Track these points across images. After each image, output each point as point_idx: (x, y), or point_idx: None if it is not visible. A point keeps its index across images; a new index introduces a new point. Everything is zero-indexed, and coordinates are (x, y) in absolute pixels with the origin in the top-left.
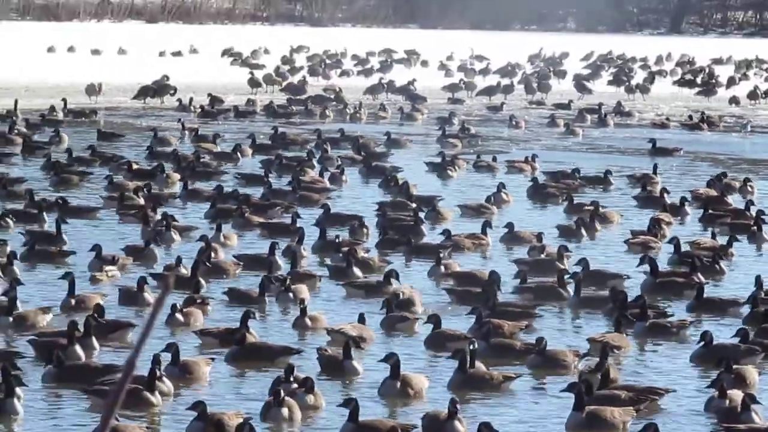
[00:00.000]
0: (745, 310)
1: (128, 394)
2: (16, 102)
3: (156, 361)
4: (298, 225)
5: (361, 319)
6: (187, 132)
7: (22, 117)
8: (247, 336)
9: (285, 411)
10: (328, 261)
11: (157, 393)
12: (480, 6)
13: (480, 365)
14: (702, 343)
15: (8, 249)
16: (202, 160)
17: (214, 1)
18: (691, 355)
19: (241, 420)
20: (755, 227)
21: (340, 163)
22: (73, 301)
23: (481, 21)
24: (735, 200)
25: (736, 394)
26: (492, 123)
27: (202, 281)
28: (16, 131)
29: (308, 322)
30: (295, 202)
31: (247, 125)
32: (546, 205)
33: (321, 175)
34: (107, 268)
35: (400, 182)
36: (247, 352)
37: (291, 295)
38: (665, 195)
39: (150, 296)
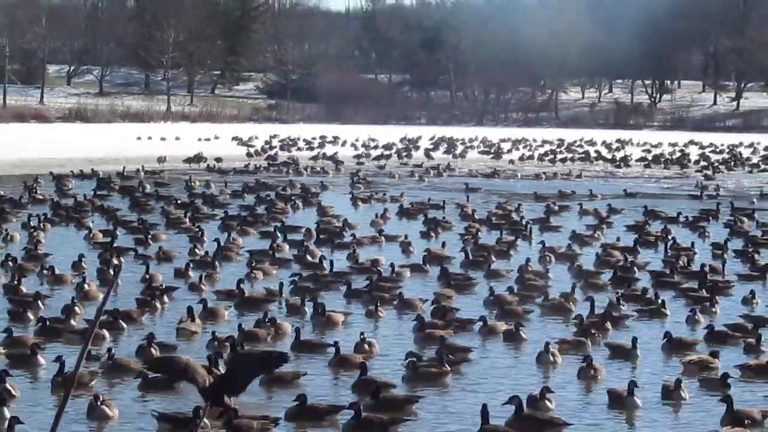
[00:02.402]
0: None
1: None
2: (124, 169)
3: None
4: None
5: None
6: (221, 184)
7: (125, 174)
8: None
9: None
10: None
11: None
12: (372, 110)
13: None
14: None
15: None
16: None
17: (228, 110)
18: None
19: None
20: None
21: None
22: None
23: (373, 119)
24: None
25: None
26: (379, 175)
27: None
28: (115, 184)
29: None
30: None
31: (245, 178)
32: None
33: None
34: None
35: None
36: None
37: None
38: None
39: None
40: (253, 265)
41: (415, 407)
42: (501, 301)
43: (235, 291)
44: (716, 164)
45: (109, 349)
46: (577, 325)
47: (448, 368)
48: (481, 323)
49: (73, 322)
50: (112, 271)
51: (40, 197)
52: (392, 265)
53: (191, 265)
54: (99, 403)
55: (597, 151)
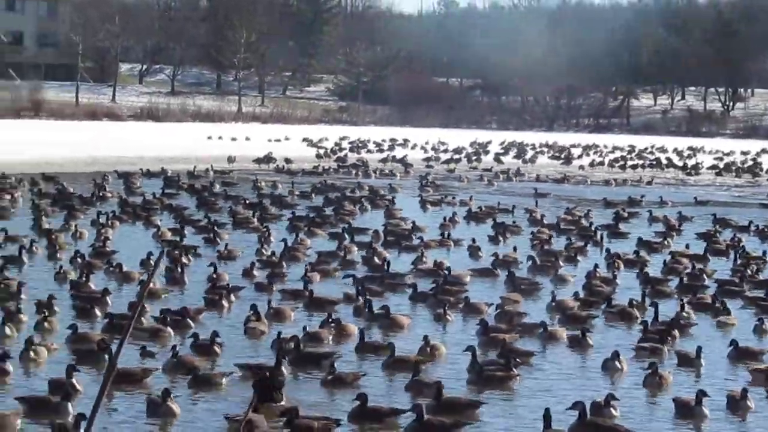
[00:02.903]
0: None
1: None
2: (194, 168)
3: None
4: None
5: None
6: (288, 184)
7: (195, 173)
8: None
9: None
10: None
11: None
12: (443, 114)
13: None
14: None
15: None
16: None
17: (299, 111)
18: None
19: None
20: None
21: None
22: None
23: (443, 122)
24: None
25: None
26: (448, 179)
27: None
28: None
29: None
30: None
31: (313, 179)
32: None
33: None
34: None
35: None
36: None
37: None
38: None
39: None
40: (308, 267)
41: (478, 411)
42: (563, 306)
43: (303, 292)
44: None
45: (174, 347)
46: (643, 332)
47: (516, 372)
48: (541, 329)
49: (143, 319)
50: (179, 269)
51: (109, 195)
52: (448, 269)
53: (257, 264)
54: (165, 401)
55: (668, 159)
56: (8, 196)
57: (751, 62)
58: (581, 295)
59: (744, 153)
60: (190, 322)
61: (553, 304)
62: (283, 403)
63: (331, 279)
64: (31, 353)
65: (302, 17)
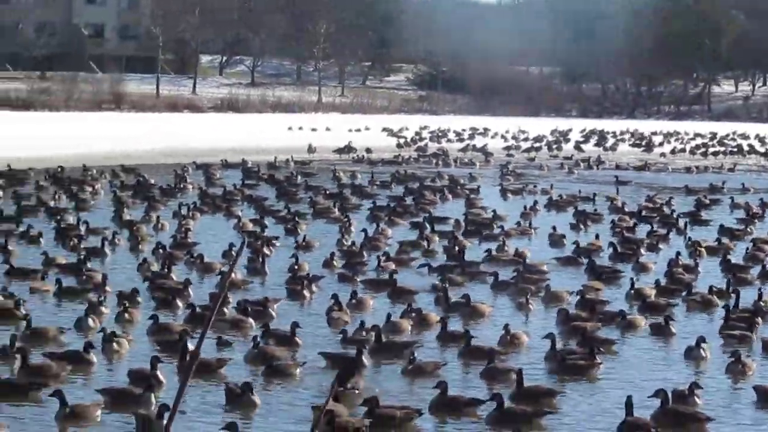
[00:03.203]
0: None
1: None
2: (275, 159)
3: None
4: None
5: None
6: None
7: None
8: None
9: None
10: None
11: None
12: (523, 102)
13: None
14: None
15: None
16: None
17: (378, 101)
18: None
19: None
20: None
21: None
22: None
23: (523, 111)
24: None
25: None
26: (529, 167)
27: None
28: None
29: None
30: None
31: (393, 168)
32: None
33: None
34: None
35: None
36: None
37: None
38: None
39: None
40: (381, 257)
41: (558, 399)
42: (642, 294)
43: (387, 281)
44: None
45: (255, 338)
46: (725, 319)
47: (599, 360)
48: (620, 317)
49: (225, 309)
50: (260, 260)
51: (190, 186)
52: (524, 258)
53: (337, 254)
54: (247, 392)
55: (750, 145)
56: (90, 189)
57: None
58: (663, 282)
59: None
60: (272, 312)
61: (632, 292)
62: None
63: (409, 268)
64: (114, 345)
65: (380, 6)
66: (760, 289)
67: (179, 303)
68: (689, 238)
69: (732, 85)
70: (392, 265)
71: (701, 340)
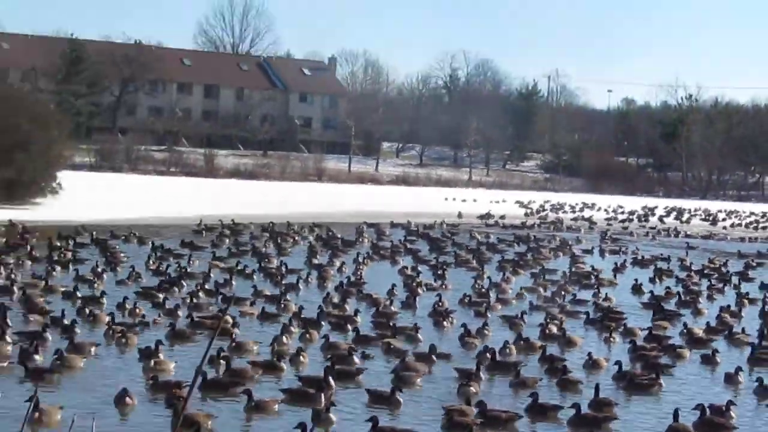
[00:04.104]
0: None
1: None
2: (435, 222)
3: None
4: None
5: None
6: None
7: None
8: None
9: None
10: None
11: None
12: (623, 185)
13: None
14: None
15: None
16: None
17: (515, 180)
18: None
19: None
20: None
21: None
22: None
23: (622, 191)
24: None
25: None
26: (623, 234)
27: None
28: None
29: None
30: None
31: (518, 231)
32: None
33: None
34: None
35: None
36: None
37: None
38: None
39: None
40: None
41: (618, 408)
42: (691, 333)
43: (514, 319)
44: None
45: (404, 354)
46: (751, 351)
47: (661, 382)
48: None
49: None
50: (413, 297)
51: (366, 239)
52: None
53: (471, 295)
54: (394, 394)
55: None
56: (291, 239)
57: None
58: (713, 324)
59: None
60: (419, 337)
61: (685, 330)
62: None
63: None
64: (301, 357)
65: (518, 108)
66: None
67: (349, 327)
68: (738, 292)
69: None
70: (499, 306)
71: (738, 369)
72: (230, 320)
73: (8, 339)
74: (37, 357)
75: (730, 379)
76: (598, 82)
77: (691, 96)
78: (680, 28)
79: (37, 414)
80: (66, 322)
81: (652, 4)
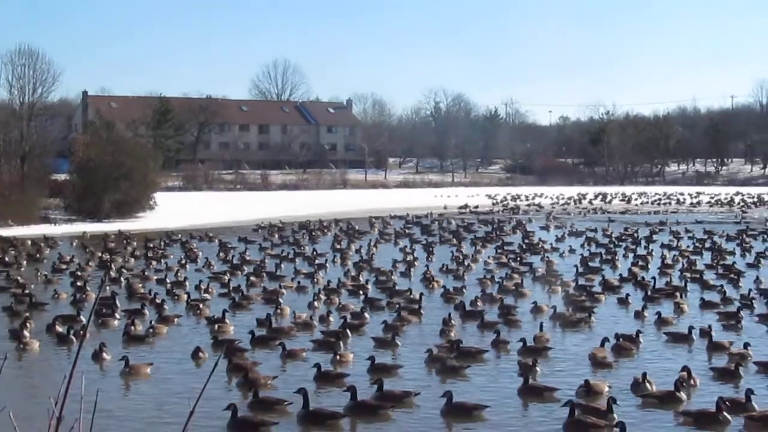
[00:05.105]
0: None
1: None
2: (429, 214)
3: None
4: None
5: None
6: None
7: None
8: None
9: None
10: None
11: None
12: (563, 178)
13: None
14: None
15: None
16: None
17: (485, 179)
18: None
19: None
20: None
21: None
22: None
23: (562, 183)
24: None
25: None
26: (562, 214)
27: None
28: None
29: None
30: None
31: (488, 216)
32: None
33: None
34: None
35: None
36: None
37: None
38: None
39: None
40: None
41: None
42: (607, 282)
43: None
44: None
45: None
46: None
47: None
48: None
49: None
50: (410, 269)
51: (377, 228)
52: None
53: (449, 265)
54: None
55: (682, 200)
56: (320, 233)
57: None
58: (624, 275)
59: None
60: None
61: (603, 280)
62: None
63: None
64: (330, 318)
65: (485, 128)
66: None
67: (361, 293)
68: (646, 250)
69: (677, 166)
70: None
71: (644, 307)
72: (282, 291)
73: (117, 316)
74: (133, 328)
75: (638, 315)
76: (541, 105)
77: (608, 112)
78: (599, 61)
79: (127, 369)
80: (157, 301)
81: (575, 43)
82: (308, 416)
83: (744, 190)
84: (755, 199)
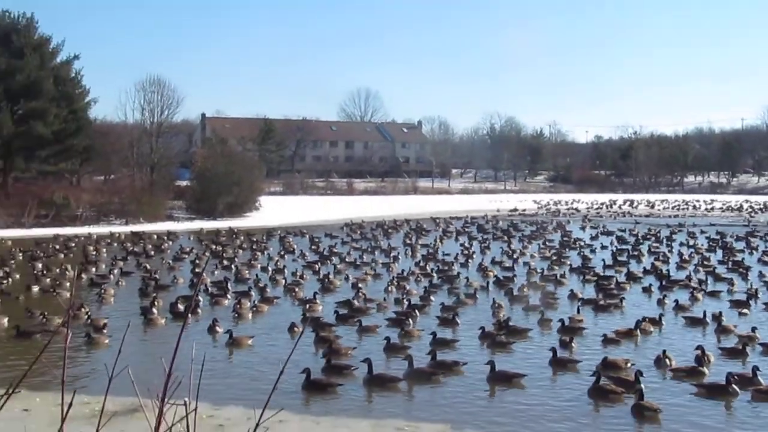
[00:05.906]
0: None
1: None
2: (485, 216)
3: None
4: None
5: None
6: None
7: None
8: None
9: None
10: None
11: None
12: (597, 186)
13: None
14: None
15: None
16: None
17: (531, 187)
18: None
19: None
20: None
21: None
22: None
23: (598, 190)
24: None
25: None
26: (596, 217)
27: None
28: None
29: None
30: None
31: (532, 218)
32: None
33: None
34: None
35: None
36: None
37: None
38: None
39: None
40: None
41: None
42: (632, 273)
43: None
44: None
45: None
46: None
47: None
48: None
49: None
50: (467, 258)
51: (440, 228)
52: None
53: (497, 258)
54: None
55: (700, 206)
56: (392, 230)
57: None
58: (648, 268)
59: None
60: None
61: (627, 272)
62: None
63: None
64: (404, 300)
65: (531, 145)
66: None
67: (425, 280)
68: (668, 247)
69: (694, 177)
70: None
71: (665, 295)
72: (363, 278)
73: (228, 297)
74: (240, 306)
75: (660, 302)
76: (579, 126)
77: (636, 132)
78: (628, 89)
79: (231, 340)
80: (261, 285)
81: (607, 75)
82: (372, 380)
83: (752, 198)
84: (761, 206)
